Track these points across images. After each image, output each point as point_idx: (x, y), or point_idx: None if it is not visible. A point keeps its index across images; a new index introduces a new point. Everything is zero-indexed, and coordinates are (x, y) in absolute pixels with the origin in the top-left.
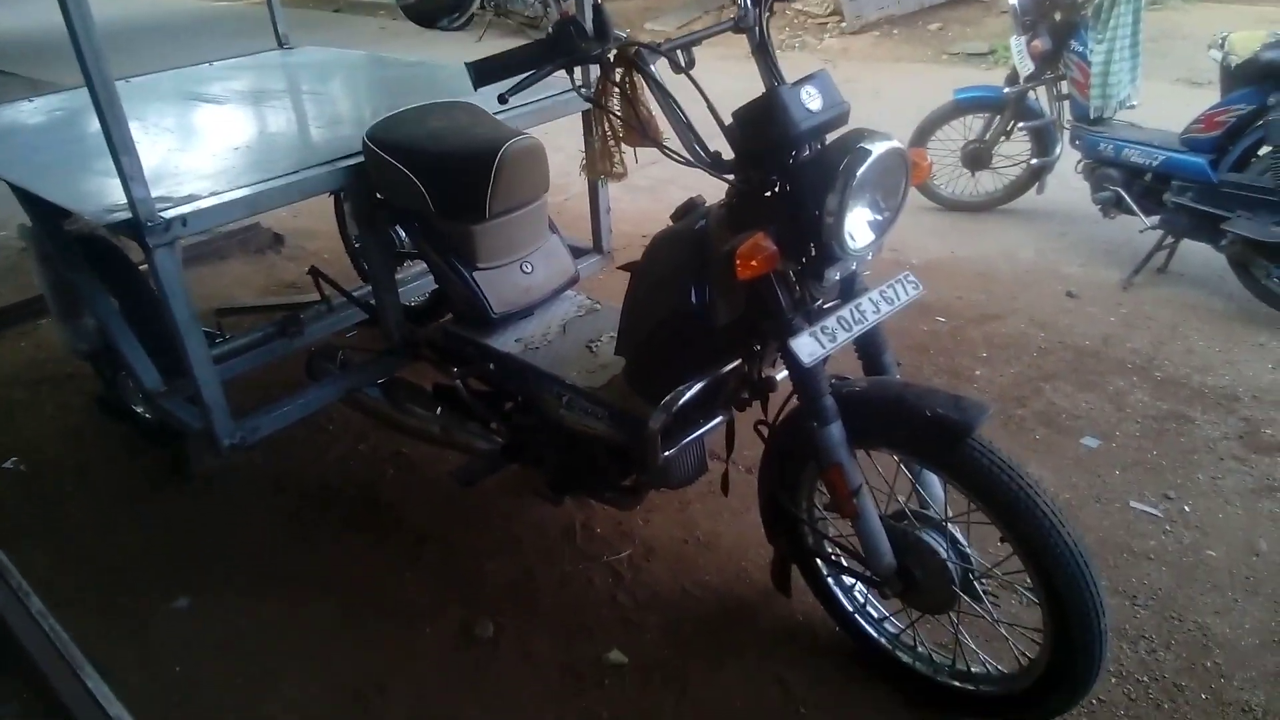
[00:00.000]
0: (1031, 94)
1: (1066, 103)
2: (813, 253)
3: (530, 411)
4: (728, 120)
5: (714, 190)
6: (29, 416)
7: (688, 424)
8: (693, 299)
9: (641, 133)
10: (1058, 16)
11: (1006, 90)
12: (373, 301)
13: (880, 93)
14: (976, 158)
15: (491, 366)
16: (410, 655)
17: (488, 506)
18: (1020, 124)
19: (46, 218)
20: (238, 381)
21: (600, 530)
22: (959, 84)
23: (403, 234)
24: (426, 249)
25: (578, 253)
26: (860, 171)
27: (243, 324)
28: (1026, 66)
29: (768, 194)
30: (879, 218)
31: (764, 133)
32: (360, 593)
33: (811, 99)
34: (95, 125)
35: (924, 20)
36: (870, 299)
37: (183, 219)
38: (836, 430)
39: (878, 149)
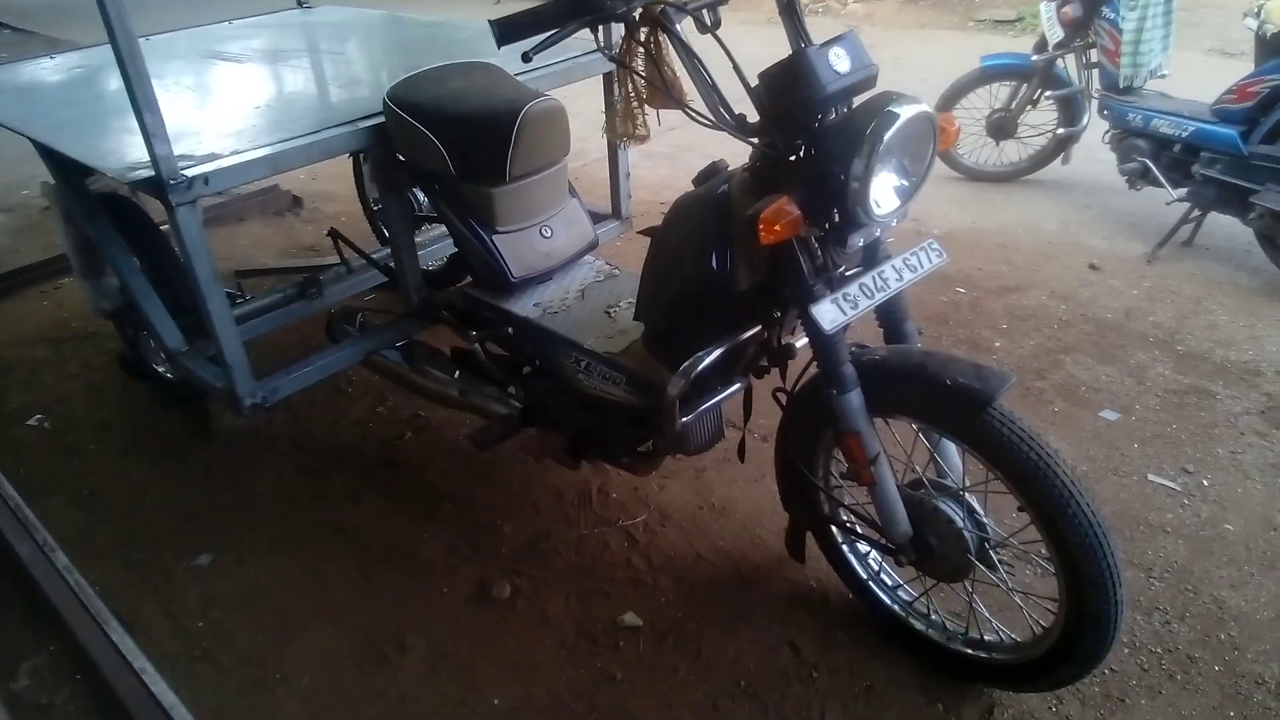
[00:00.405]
0: (1060, 62)
1: (1095, 71)
2: (836, 218)
3: (548, 376)
4: (754, 82)
5: (736, 156)
6: (52, 374)
7: (706, 390)
8: (714, 264)
9: (665, 93)
10: None
11: (1035, 58)
12: (392, 264)
13: (904, 60)
14: (1001, 127)
15: (510, 331)
16: (428, 612)
17: (505, 470)
18: (1048, 93)
19: (69, 175)
20: (257, 343)
21: (616, 495)
22: (985, 51)
23: (422, 197)
24: (446, 211)
25: (596, 218)
26: (887, 135)
27: (262, 286)
28: (1056, 33)
29: (792, 158)
30: (905, 183)
31: (790, 95)
32: (379, 550)
33: (839, 60)
34: (117, 83)
35: None
36: (893, 266)
37: (205, 177)
38: (855, 398)
39: (905, 112)
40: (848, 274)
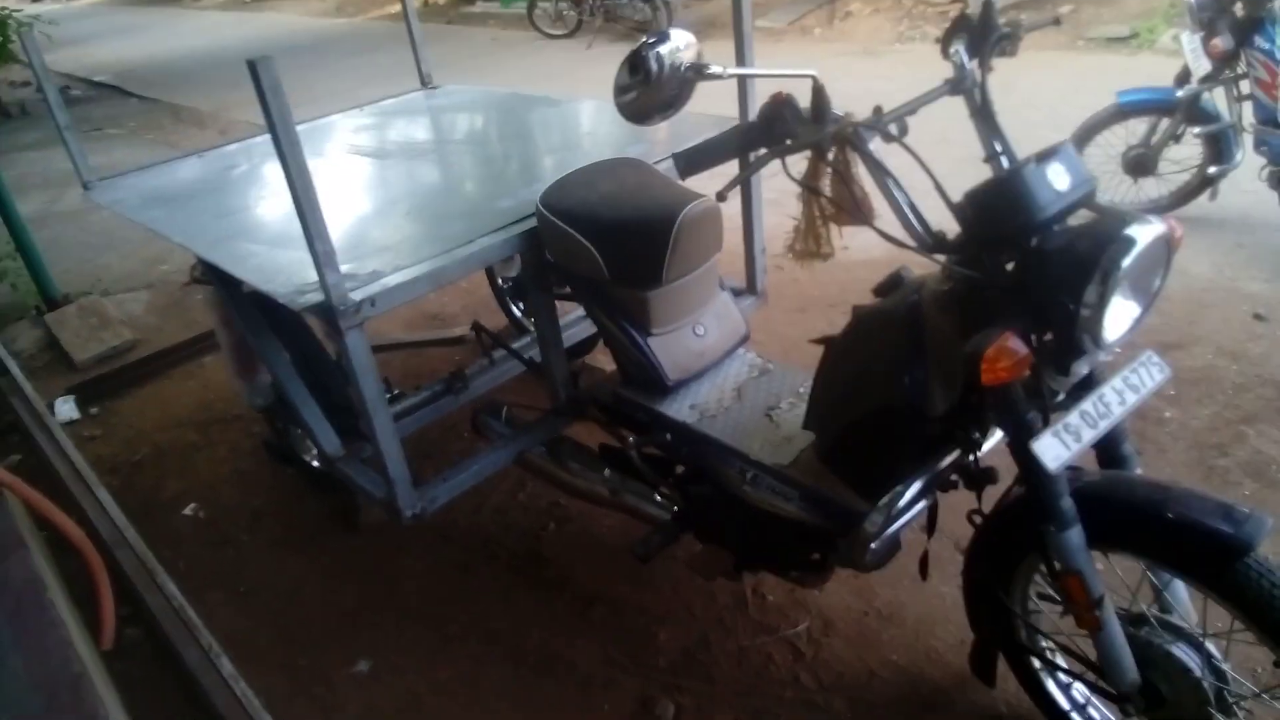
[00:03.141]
0: (1206, 95)
1: (1249, 104)
2: (1057, 346)
3: (706, 481)
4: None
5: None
6: (203, 459)
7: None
8: (906, 385)
9: (854, 214)
10: (1239, 11)
11: (1179, 93)
12: (532, 356)
13: (1011, 85)
14: (1141, 164)
15: (668, 436)
16: None
17: (653, 567)
18: (1194, 128)
19: (227, 282)
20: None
21: (772, 599)
22: (1099, 72)
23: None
24: (598, 315)
25: (733, 294)
26: (1125, 263)
27: (392, 362)
28: (1202, 66)
29: (1003, 281)
30: (1136, 305)
31: (1004, 218)
32: (534, 659)
33: (1058, 178)
34: (273, 190)
35: (1054, 3)
36: (1113, 388)
37: (371, 299)
38: (1076, 535)
39: (1143, 237)
40: (1061, 399)
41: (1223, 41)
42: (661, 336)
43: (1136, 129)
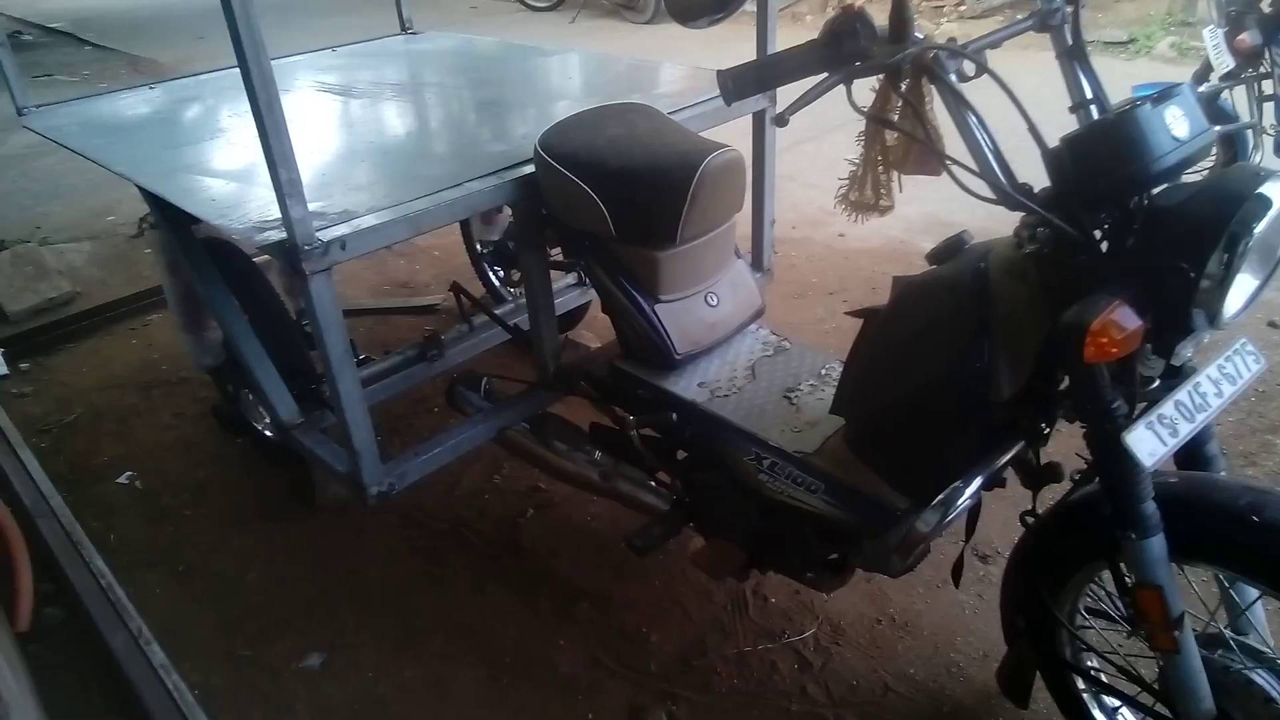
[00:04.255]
0: (1225, 94)
1: (1270, 105)
2: (1163, 322)
3: (713, 468)
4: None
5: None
6: (143, 424)
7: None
8: (968, 365)
9: (922, 158)
10: (1267, 7)
11: (1199, 89)
12: (517, 323)
13: (1012, 86)
14: None
15: (673, 417)
16: None
17: (642, 560)
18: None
19: (176, 222)
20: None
21: (775, 600)
22: (1099, 75)
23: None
24: (600, 276)
25: None
26: (1260, 228)
27: (359, 328)
28: (1224, 63)
29: (1102, 243)
30: (1254, 280)
31: (1113, 167)
32: (511, 658)
33: (1176, 123)
34: (232, 121)
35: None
36: (1209, 378)
37: (341, 241)
38: (1158, 545)
39: None
40: (1150, 388)
41: (1250, 37)
42: (671, 304)
43: None
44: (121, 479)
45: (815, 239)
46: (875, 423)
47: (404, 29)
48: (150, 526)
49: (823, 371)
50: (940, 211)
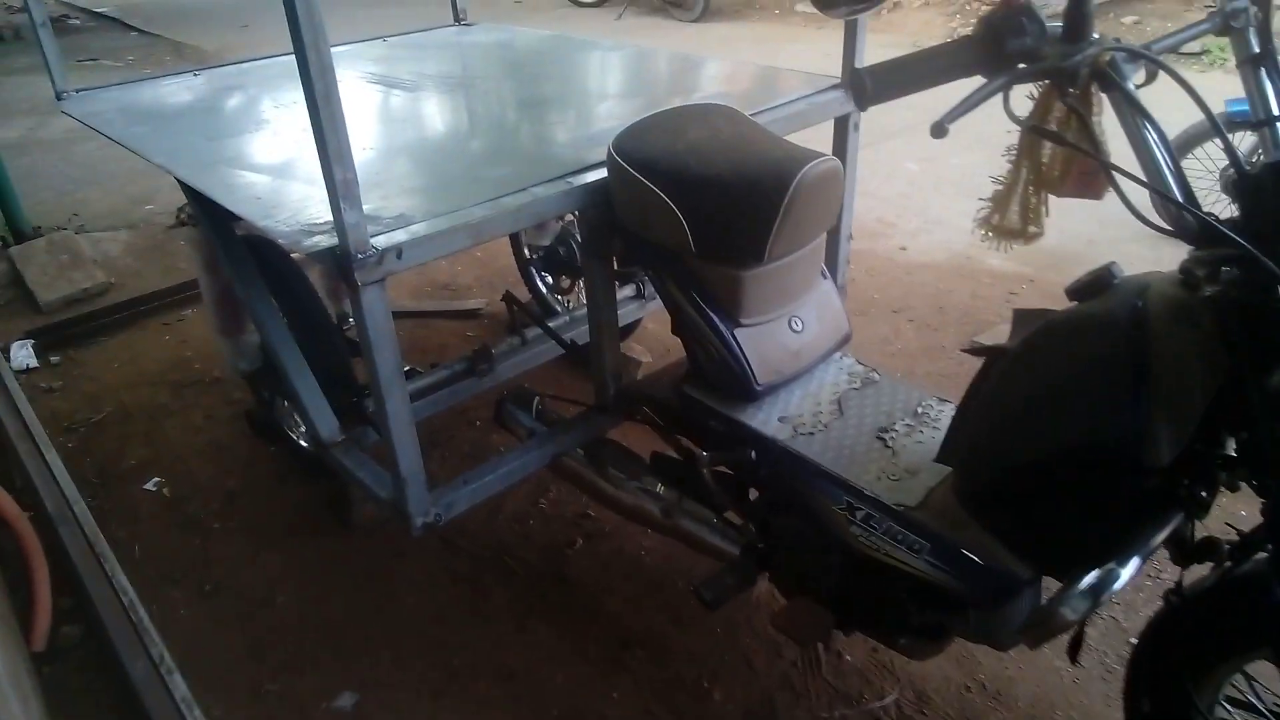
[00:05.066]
0: None
1: None
2: None
3: (793, 513)
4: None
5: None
6: (174, 426)
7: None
8: (1120, 422)
9: (1087, 177)
10: None
11: None
12: (569, 337)
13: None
14: None
15: (752, 454)
16: None
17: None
18: None
19: (216, 219)
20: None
21: (850, 658)
22: (1171, 85)
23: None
24: (674, 294)
25: None
26: None
27: (399, 331)
28: None
29: None
30: None
31: None
32: (555, 708)
33: None
34: (281, 114)
35: (1116, 12)
36: None
37: (398, 250)
38: None
39: None
40: None
41: None
42: (752, 328)
43: (1244, 144)
44: (149, 484)
45: (876, 251)
46: (998, 481)
47: (457, 20)
48: (177, 538)
49: (919, 410)
50: None
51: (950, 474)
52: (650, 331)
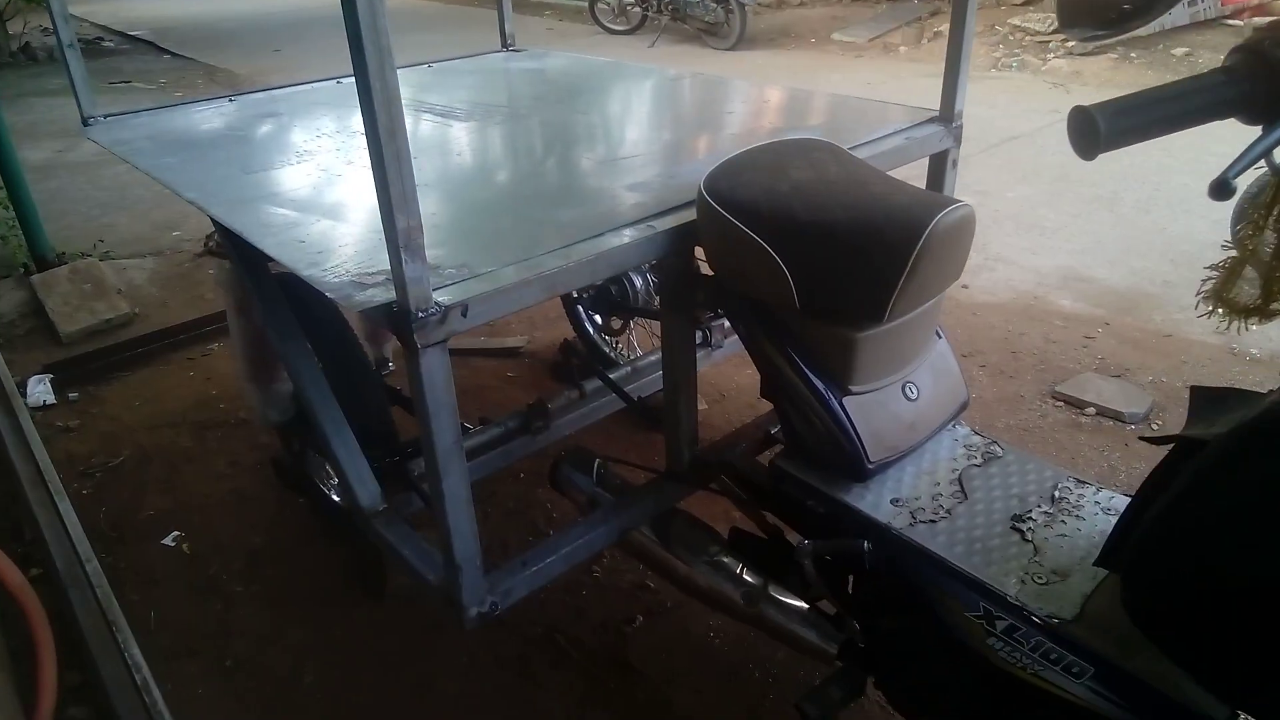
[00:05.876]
0: None
1: None
2: None
3: (912, 614)
4: None
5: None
6: (195, 472)
7: None
8: None
9: None
10: None
11: None
12: (631, 390)
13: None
14: None
15: (867, 546)
16: None
17: (781, 696)
18: None
19: (249, 258)
20: None
21: None
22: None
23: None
24: (771, 355)
25: None
26: None
27: None
28: None
29: None
30: None
31: None
32: None
33: None
34: (316, 142)
35: (1166, 44)
36: None
37: (463, 307)
38: None
39: None
40: None
41: None
42: (863, 396)
43: None
44: (168, 539)
45: None
46: (1189, 601)
47: (505, 45)
48: (196, 603)
49: (1055, 494)
50: (1077, 265)
51: (1108, 579)
52: (702, 375)
